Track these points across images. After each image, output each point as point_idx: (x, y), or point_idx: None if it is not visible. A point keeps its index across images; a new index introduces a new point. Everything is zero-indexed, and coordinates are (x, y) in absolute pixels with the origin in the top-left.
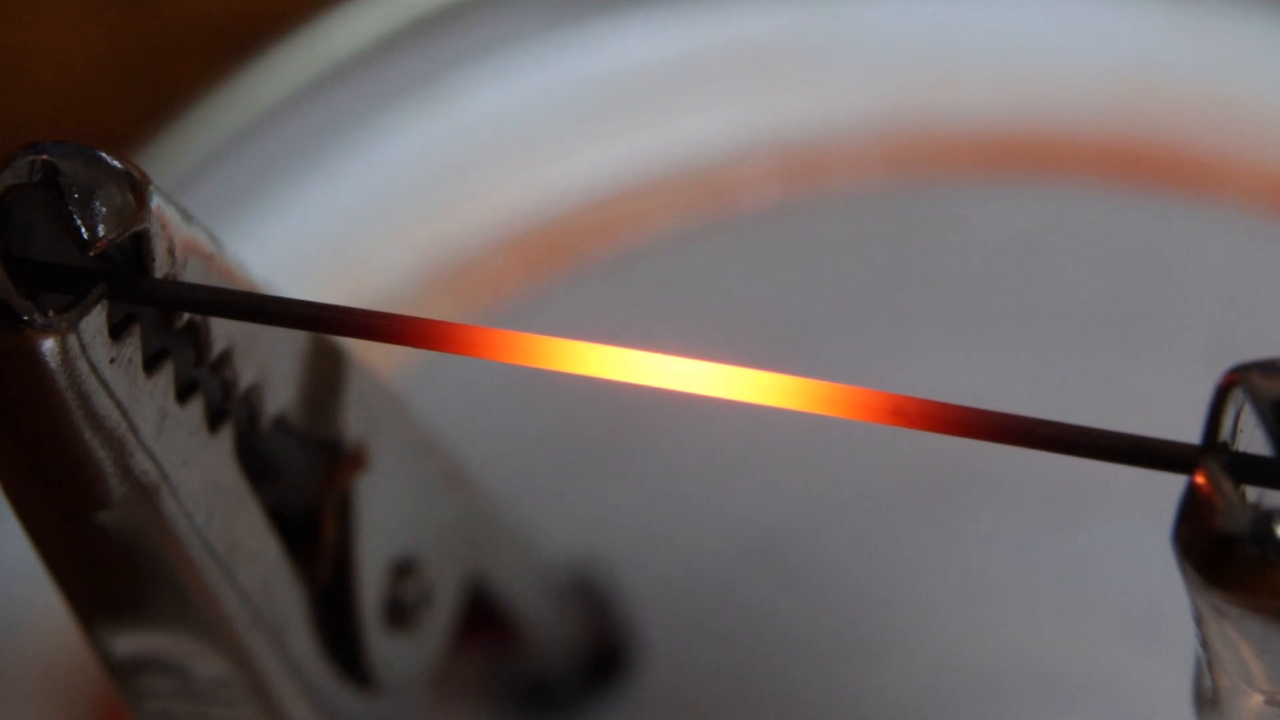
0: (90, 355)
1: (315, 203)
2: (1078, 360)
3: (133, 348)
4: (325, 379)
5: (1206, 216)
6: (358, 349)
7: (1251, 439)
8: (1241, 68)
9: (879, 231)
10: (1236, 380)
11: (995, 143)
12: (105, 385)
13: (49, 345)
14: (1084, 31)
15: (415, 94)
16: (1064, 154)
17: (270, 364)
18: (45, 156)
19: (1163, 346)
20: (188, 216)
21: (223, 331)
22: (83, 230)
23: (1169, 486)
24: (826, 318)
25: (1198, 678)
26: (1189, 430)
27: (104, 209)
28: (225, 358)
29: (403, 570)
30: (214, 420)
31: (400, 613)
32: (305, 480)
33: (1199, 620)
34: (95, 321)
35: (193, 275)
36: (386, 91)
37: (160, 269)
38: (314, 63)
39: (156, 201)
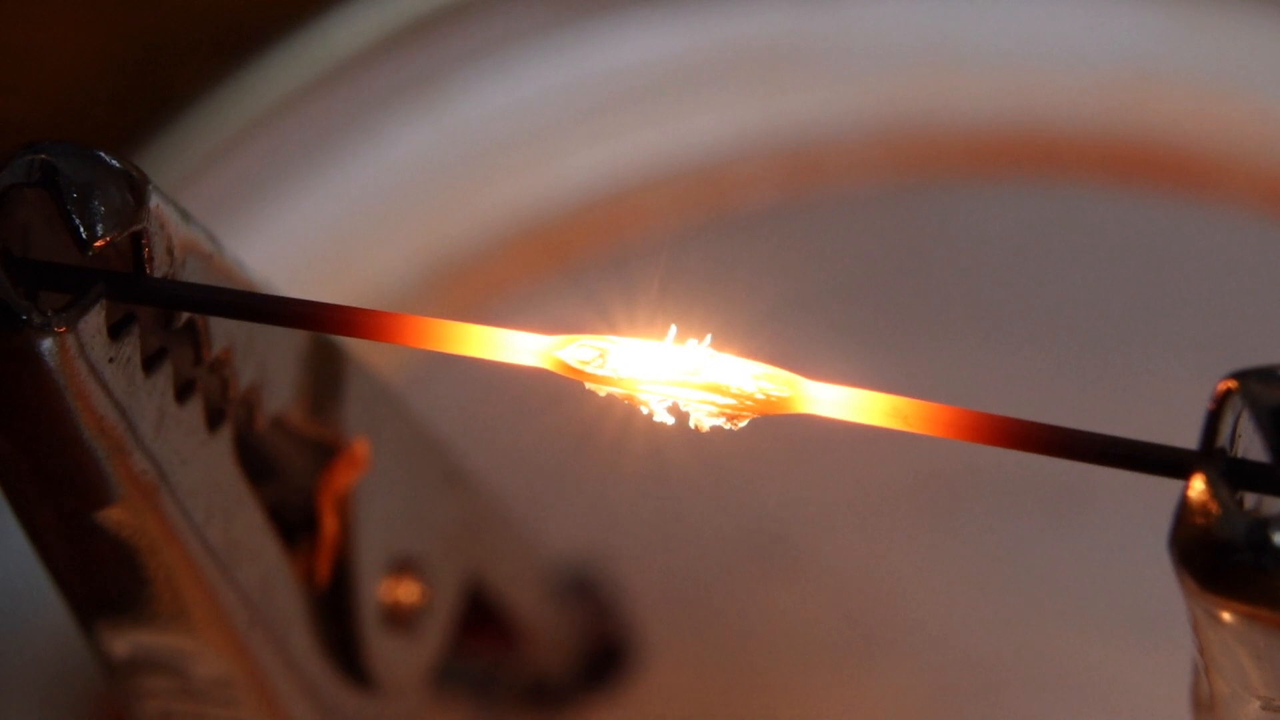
0: (89, 355)
1: (315, 203)
2: (1077, 361)
3: (132, 347)
4: (324, 378)
5: (1206, 216)
6: (357, 349)
7: (1251, 444)
8: (1241, 68)
9: (878, 231)
10: (1235, 386)
11: (995, 143)
12: (104, 385)
13: (48, 345)
14: (1084, 31)
15: (415, 94)
16: (1064, 154)
17: (269, 363)
18: (44, 156)
19: (1162, 347)
20: (186, 216)
21: (222, 331)
22: (82, 230)
23: (1169, 488)
24: (825, 317)
25: (1195, 683)
26: (1189, 433)
27: (103, 208)
28: (224, 357)
29: (402, 570)
30: (213, 420)
31: (399, 612)
32: (304, 480)
33: (1196, 626)
34: (94, 321)
35: (192, 275)
36: (386, 91)
37: (159, 268)
38: (314, 63)
39: (155, 201)
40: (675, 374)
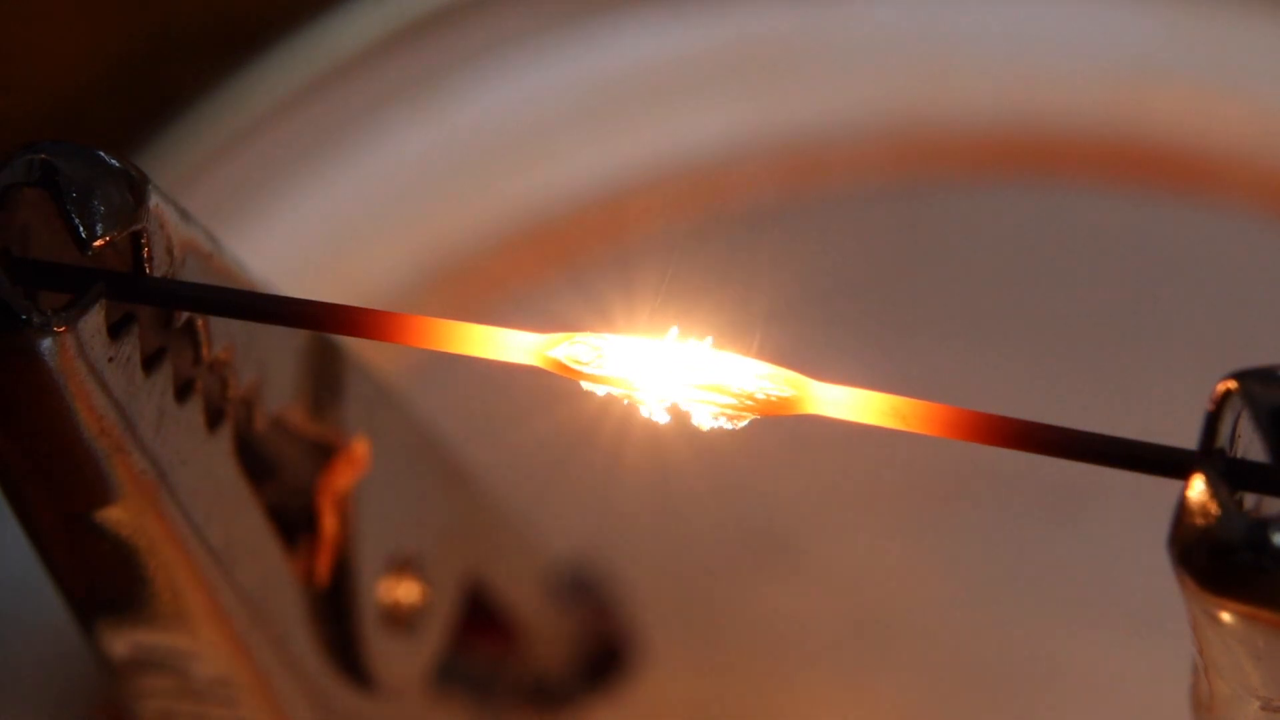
0: (89, 354)
1: (315, 203)
2: (1076, 360)
3: (131, 347)
4: (324, 378)
5: (1206, 216)
6: (357, 348)
7: (1250, 444)
8: (1241, 68)
9: (878, 231)
10: (1234, 386)
11: (995, 143)
12: (104, 384)
13: (47, 344)
14: (1084, 31)
15: (415, 94)
16: (1064, 154)
17: (269, 363)
18: (44, 155)
19: (1162, 347)
20: (186, 215)
21: (221, 330)
22: (81, 229)
23: (1169, 488)
24: (825, 318)
25: (1195, 683)
26: (1189, 433)
27: (102, 208)
28: (224, 357)
29: (402, 570)
30: (213, 419)
31: (399, 612)
32: (304, 479)
33: (1195, 626)
34: (94, 321)
35: (191, 274)
36: (386, 91)
37: (159, 268)
38: (314, 63)
39: (155, 200)
40: (674, 373)
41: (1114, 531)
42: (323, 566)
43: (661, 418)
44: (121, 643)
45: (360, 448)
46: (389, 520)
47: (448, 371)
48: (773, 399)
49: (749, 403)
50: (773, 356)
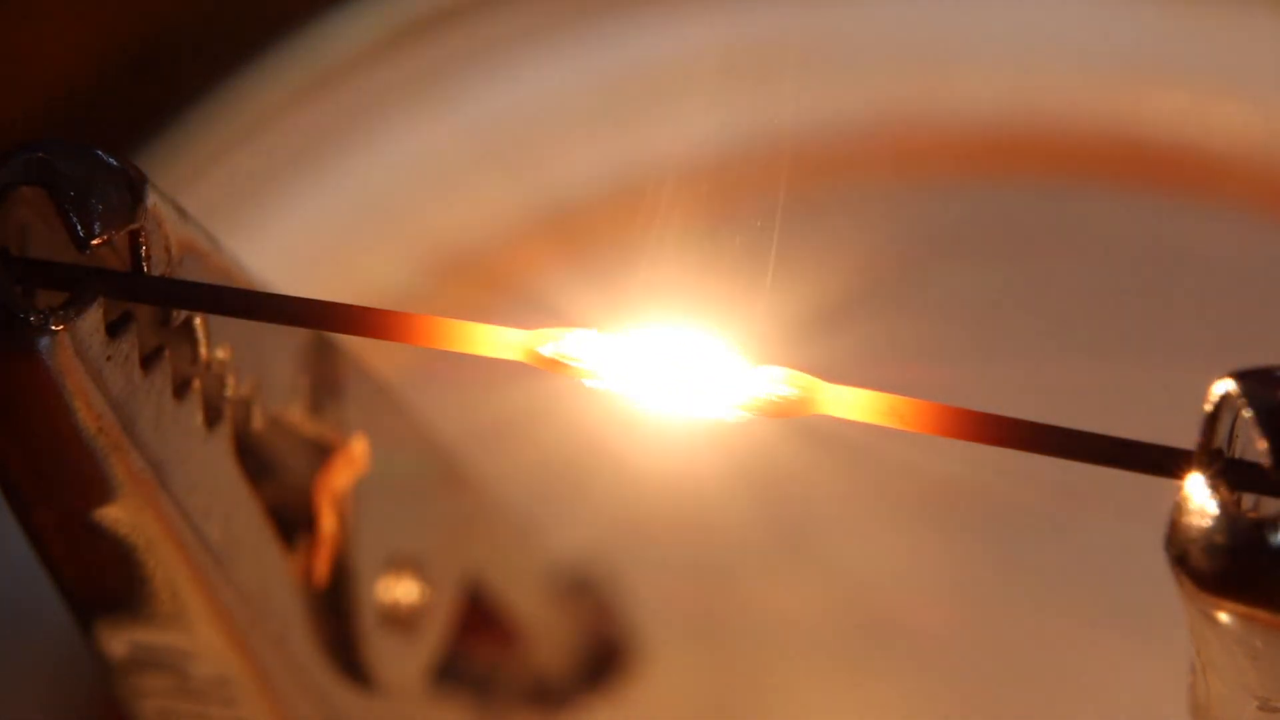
0: (87, 353)
1: (315, 202)
2: (1075, 359)
3: (129, 345)
4: (323, 377)
5: (1206, 216)
6: (356, 347)
7: (1248, 444)
8: (1241, 68)
9: (878, 231)
10: (1233, 386)
11: (995, 142)
12: (102, 383)
13: (46, 343)
14: (1084, 31)
15: (415, 94)
16: (1064, 153)
17: (268, 362)
18: (42, 154)
19: (1161, 347)
20: (184, 214)
21: (220, 329)
22: (79, 228)
23: (1169, 489)
24: (824, 317)
25: (1193, 683)
26: (1188, 433)
27: (100, 207)
28: (222, 356)
29: (401, 569)
30: (211, 418)
31: (399, 612)
32: (303, 478)
33: (1193, 626)
34: (92, 320)
35: (189, 273)
36: (386, 91)
37: (157, 267)
38: (314, 63)
39: (153, 199)
40: (677, 372)
41: (1114, 531)
42: (322, 566)
43: (661, 415)
44: (120, 642)
45: (359, 447)
46: (389, 520)
47: (449, 371)
48: (782, 400)
49: (758, 404)
50: (772, 355)
